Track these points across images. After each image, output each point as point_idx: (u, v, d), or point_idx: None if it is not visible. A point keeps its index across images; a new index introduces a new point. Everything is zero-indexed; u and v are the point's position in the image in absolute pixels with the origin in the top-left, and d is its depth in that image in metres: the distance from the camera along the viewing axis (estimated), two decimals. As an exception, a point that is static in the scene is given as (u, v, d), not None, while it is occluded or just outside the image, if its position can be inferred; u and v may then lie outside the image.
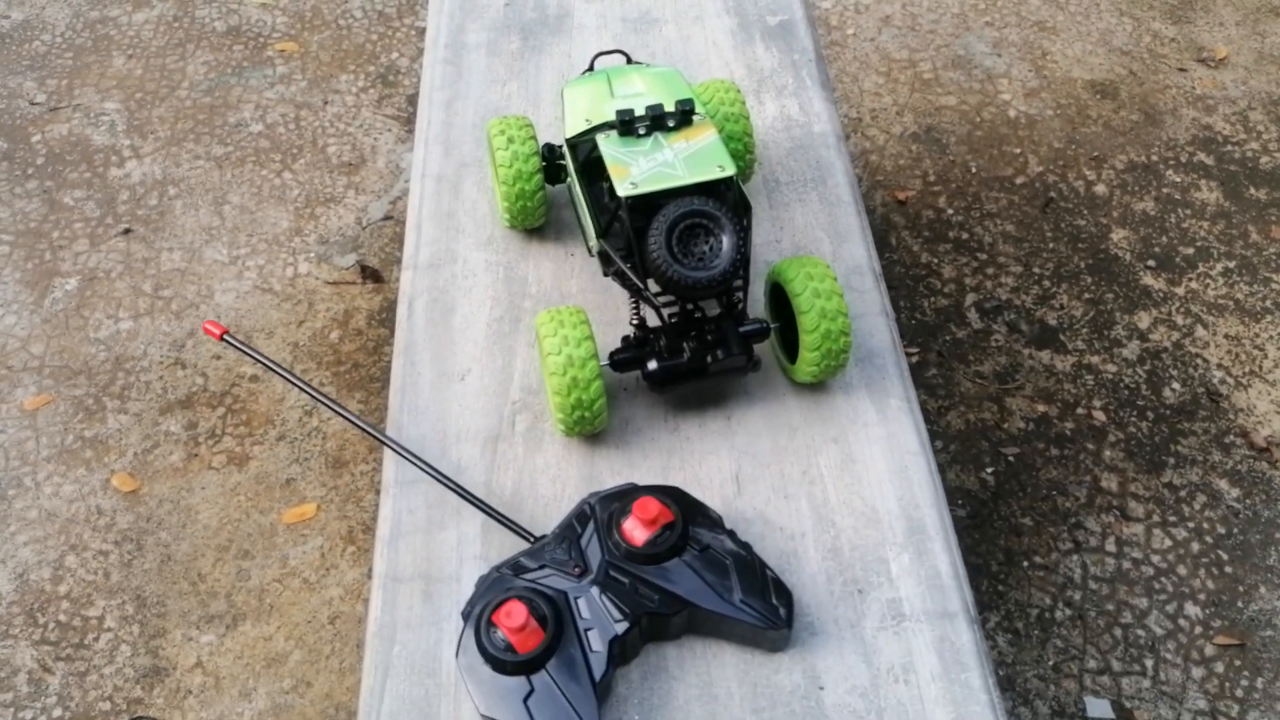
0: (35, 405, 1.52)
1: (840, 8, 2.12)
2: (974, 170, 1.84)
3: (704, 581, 0.60)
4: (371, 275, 1.68)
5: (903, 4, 2.12)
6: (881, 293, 0.80)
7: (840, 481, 0.70)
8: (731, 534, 0.63)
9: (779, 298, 0.73)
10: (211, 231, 1.73)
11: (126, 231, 1.73)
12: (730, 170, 0.66)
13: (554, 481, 0.70)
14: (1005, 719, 0.60)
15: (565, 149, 0.74)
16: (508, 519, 0.65)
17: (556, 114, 0.92)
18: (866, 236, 0.83)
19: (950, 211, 1.79)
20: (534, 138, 0.77)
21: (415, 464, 0.67)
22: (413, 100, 1.94)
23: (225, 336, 0.73)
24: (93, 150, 1.85)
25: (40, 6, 2.10)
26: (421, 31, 2.06)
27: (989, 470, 1.49)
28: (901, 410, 0.73)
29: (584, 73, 0.78)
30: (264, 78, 1.97)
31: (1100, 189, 1.82)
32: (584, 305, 0.78)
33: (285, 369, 0.72)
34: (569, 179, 0.76)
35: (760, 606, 0.60)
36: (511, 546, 0.66)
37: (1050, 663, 1.32)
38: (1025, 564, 1.40)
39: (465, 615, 0.60)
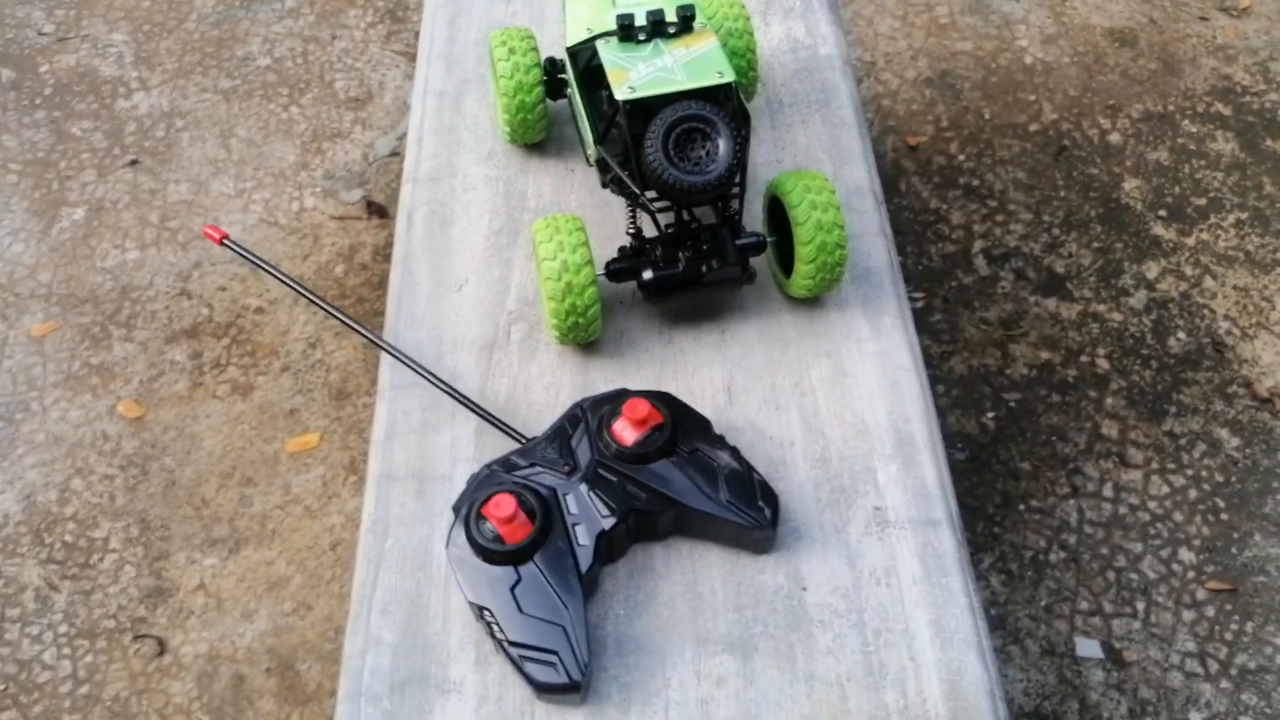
0: (42, 332, 1.54)
1: (856, -49, 2.08)
2: (987, 117, 1.83)
3: (691, 482, 0.61)
4: (377, 211, 1.68)
5: (919, -52, 2.09)
6: (881, 214, 0.80)
7: (831, 394, 0.70)
8: (721, 439, 0.64)
9: (777, 212, 0.72)
10: (218, 164, 1.73)
11: (134, 163, 1.73)
12: (729, 76, 0.66)
13: (548, 389, 0.70)
14: (983, 623, 0.61)
15: (566, 58, 0.74)
16: (500, 421, 0.66)
17: (560, 32, 0.91)
18: (869, 159, 0.83)
19: (962, 158, 1.77)
20: (535, 49, 0.77)
21: (411, 367, 0.68)
22: (421, 37, 1.92)
23: (225, 241, 0.73)
24: (100, 81, 1.84)
25: (49, -64, 2.08)
26: (431, -32, 2.04)
27: (990, 415, 1.49)
28: (895, 327, 0.73)
29: (586, -17, 0.78)
30: (272, 11, 1.96)
31: (1115, 138, 1.80)
32: (583, 219, 0.78)
33: (283, 273, 0.73)
34: (569, 90, 0.76)
35: (746, 507, 0.61)
36: (504, 449, 0.67)
37: (1042, 603, 1.33)
38: (1022, 507, 1.41)
39: (456, 509, 0.61)
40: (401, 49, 1.90)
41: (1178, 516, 1.39)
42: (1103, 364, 1.54)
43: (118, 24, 1.93)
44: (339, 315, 0.69)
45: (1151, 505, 1.40)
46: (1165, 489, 1.41)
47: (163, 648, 1.26)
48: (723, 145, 0.63)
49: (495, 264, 0.76)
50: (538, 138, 0.81)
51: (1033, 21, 1.96)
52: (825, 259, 0.68)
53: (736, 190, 0.67)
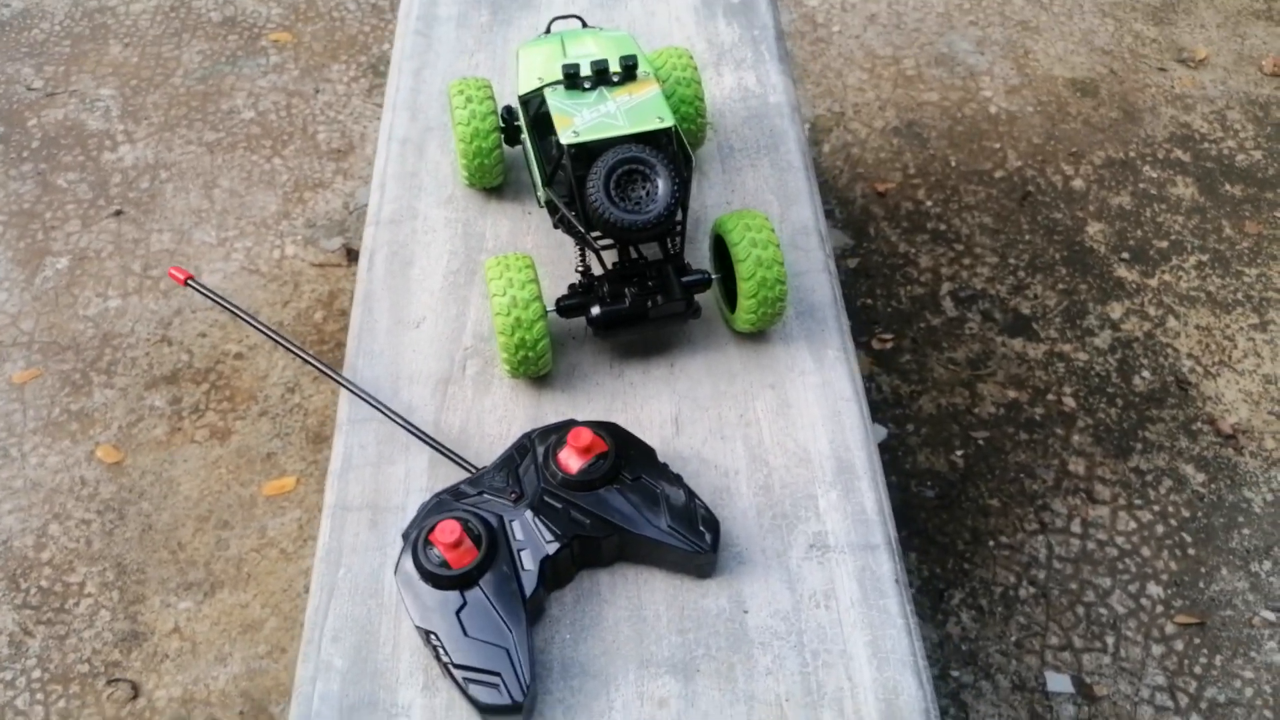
0: (23, 379, 1.56)
1: (827, 5, 2.15)
2: (953, 164, 1.87)
3: (635, 508, 0.63)
4: (356, 258, 1.71)
5: (889, 3, 2.16)
6: (826, 252, 0.83)
7: (775, 425, 0.72)
8: (664, 467, 0.66)
9: (721, 249, 0.75)
10: (201, 214, 1.76)
11: (118, 213, 1.77)
12: (669, 121, 0.69)
13: (500, 421, 0.73)
14: (919, 644, 0.62)
15: (518, 105, 0.77)
16: (451, 451, 0.68)
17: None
18: (814, 199, 0.86)
19: (929, 204, 1.82)
20: (492, 98, 0.81)
21: (367, 401, 0.70)
22: (403, 90, 1.97)
23: (189, 281, 0.76)
24: (87, 135, 1.88)
25: (41, -4, 2.14)
26: (413, 24, 2.09)
27: (959, 453, 1.51)
28: (838, 360, 0.76)
29: (540, 35, 0.82)
30: (257, 66, 2.01)
31: (1078, 184, 1.85)
32: (537, 259, 0.81)
33: (245, 312, 0.75)
34: (523, 136, 0.79)
35: (687, 532, 0.63)
36: (456, 479, 0.69)
37: (1013, 639, 1.34)
38: (991, 543, 1.42)
39: (405, 536, 0.63)
40: (383, 101, 1.95)
41: (1145, 551, 1.41)
42: (1069, 402, 1.56)
43: (106, 79, 1.98)
44: (295, 349, 0.71)
45: (1119, 541, 1.41)
46: (1133, 524, 1.43)
47: (136, 691, 1.26)
48: (662, 185, 0.66)
49: (453, 302, 0.79)
50: (495, 182, 0.84)
51: (996, 73, 2.02)
52: (765, 294, 0.71)
53: (678, 229, 0.70)
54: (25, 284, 1.66)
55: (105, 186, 1.80)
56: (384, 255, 0.82)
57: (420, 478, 0.70)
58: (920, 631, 0.63)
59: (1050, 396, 1.57)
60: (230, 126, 1.90)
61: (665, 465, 0.66)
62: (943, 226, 1.78)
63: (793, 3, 2.17)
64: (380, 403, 0.70)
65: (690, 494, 0.65)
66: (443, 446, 0.68)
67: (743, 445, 0.71)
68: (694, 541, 0.62)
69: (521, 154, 0.88)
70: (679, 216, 0.68)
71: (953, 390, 1.58)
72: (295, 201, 1.79)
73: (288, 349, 0.73)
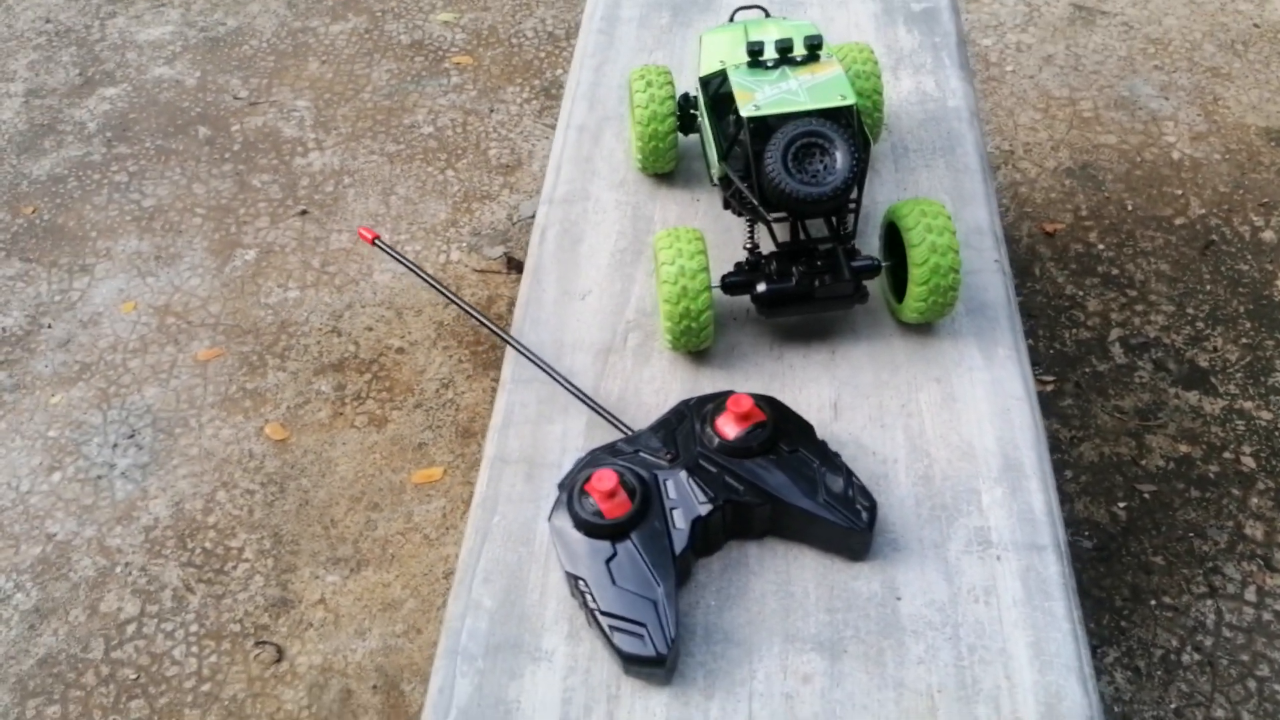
0: (207, 357, 1.67)
1: (1001, 45, 2.11)
2: (1130, 208, 1.79)
3: (789, 479, 0.62)
4: (517, 266, 1.77)
5: (1066, 45, 2.10)
6: (1001, 253, 0.80)
7: (938, 417, 0.70)
8: (823, 444, 0.65)
9: (893, 238, 0.74)
10: (377, 218, 1.86)
11: (303, 213, 1.88)
12: (851, 100, 0.69)
13: (658, 393, 0.73)
14: (1087, 651, 0.59)
15: (699, 86, 0.79)
16: (609, 413, 0.69)
17: (697, 74, 0.97)
18: (990, 202, 0.84)
19: (1101, 247, 1.74)
20: (671, 84, 0.82)
21: (532, 360, 0.72)
22: (572, 112, 2.04)
23: (377, 241, 0.80)
24: (282, 141, 2.02)
25: (252, 16, 2.33)
26: (587, 51, 2.17)
27: (1121, 505, 1.43)
28: (1009, 359, 0.73)
29: (723, 24, 0.83)
30: (439, 86, 2.12)
31: (1268, 235, 1.74)
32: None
33: (426, 273, 0.79)
34: (700, 118, 0.80)
35: (843, 507, 0.61)
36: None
37: (1172, 705, 1.24)
38: (1153, 603, 1.33)
39: (560, 486, 0.64)
40: (553, 122, 2.02)
41: (1329, 628, 1.29)
42: (1248, 462, 1.46)
43: (303, 92, 2.12)
44: (470, 310, 0.74)
45: (1300, 613, 1.30)
46: (1316, 598, 1.31)
47: (281, 655, 1.32)
48: (840, 159, 0.66)
49: (618, 278, 0.80)
50: (668, 168, 0.85)
51: (1182, 119, 1.93)
52: (938, 282, 0.69)
53: (853, 206, 0.70)
54: (217, 271, 1.79)
55: (294, 188, 1.92)
56: (555, 232, 0.84)
57: (577, 438, 0.71)
58: (1089, 641, 0.59)
59: (1227, 454, 1.47)
60: (410, 140, 2.00)
61: (824, 442, 0.65)
62: (1115, 271, 1.70)
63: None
64: (545, 362, 0.71)
65: (848, 471, 0.63)
66: (601, 408, 0.69)
67: (903, 434, 0.69)
68: (850, 518, 0.61)
69: (694, 145, 0.89)
70: (855, 193, 0.68)
71: (1118, 439, 1.50)
72: (464, 211, 1.86)
73: (460, 306, 0.75)
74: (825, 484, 0.62)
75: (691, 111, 0.84)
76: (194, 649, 1.33)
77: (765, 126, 0.69)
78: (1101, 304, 1.66)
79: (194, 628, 1.35)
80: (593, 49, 1.01)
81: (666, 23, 1.04)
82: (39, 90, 2.21)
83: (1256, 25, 2.12)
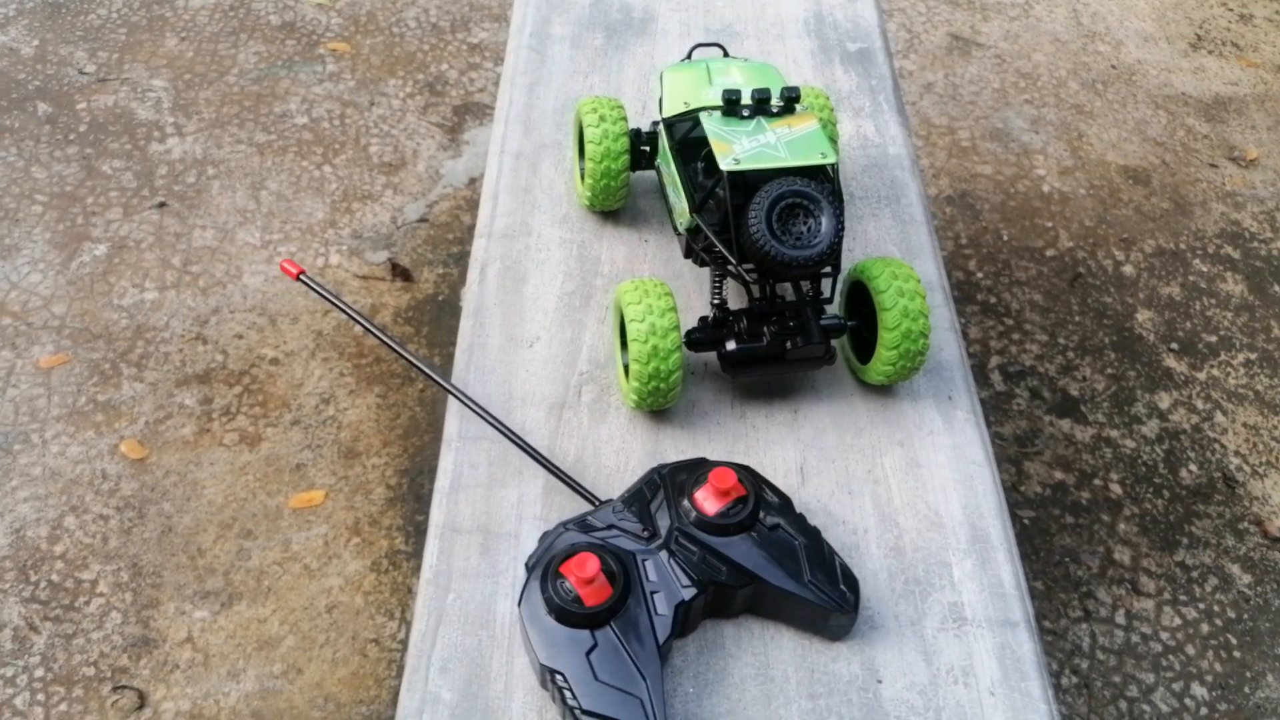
0: (51, 364, 1.50)
1: (885, 70, 2.16)
2: (1005, 238, 1.87)
3: (772, 558, 0.59)
4: (402, 274, 1.68)
5: (945, 74, 2.17)
6: (951, 310, 0.80)
7: (904, 484, 0.69)
8: (801, 518, 0.62)
9: (857, 297, 0.73)
10: (246, 214, 1.73)
11: (161, 205, 1.73)
12: (832, 158, 0.66)
13: (618, 453, 0.69)
14: (1066, 732, 0.59)
15: (661, 128, 0.75)
16: (573, 480, 0.64)
17: (637, 107, 0.93)
18: (937, 255, 0.84)
19: (980, 275, 1.80)
20: (625, 119, 0.78)
21: (485, 418, 0.66)
22: (459, 110, 1.96)
23: (302, 277, 0.72)
24: (136, 124, 1.85)
25: (100, -18, 2.12)
26: (473, 47, 2.09)
27: (1003, 530, 1.48)
28: (968, 422, 0.73)
29: (682, 60, 0.79)
30: (313, 73, 1.99)
31: (1128, 269, 1.84)
32: (656, 288, 0.78)
33: (359, 313, 0.72)
34: (660, 160, 0.76)
35: (828, 588, 0.59)
36: (571, 510, 0.65)
37: (1055, 728, 1.29)
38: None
39: (529, 566, 0.59)
40: (438, 121, 1.93)
41: (1190, 650, 1.37)
42: (1116, 489, 1.54)
43: (159, 70, 1.95)
44: (415, 362, 0.68)
45: (1164, 636, 1.38)
46: (1177, 620, 1.40)
47: (143, 701, 1.20)
48: (825, 222, 0.64)
49: (568, 324, 0.75)
50: (617, 205, 0.81)
51: (1050, 152, 2.03)
52: (909, 346, 0.68)
53: (829, 271, 0.68)
54: (61, 267, 1.62)
55: (150, 177, 1.76)
56: (496, 269, 0.78)
57: (534, 505, 0.66)
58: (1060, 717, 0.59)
59: (1097, 481, 1.55)
60: (282, 130, 1.87)
61: (802, 516, 0.62)
62: (993, 299, 1.77)
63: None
64: (498, 420, 0.66)
65: (830, 550, 0.61)
66: (563, 473, 0.64)
67: (871, 502, 0.68)
68: (836, 600, 0.59)
69: (639, 180, 0.85)
70: (837, 256, 0.65)
71: (999, 466, 1.55)
72: (343, 211, 1.75)
73: (413, 364, 0.69)
74: (808, 563, 0.60)
75: (643, 148, 0.80)
76: (39, 696, 1.19)
77: (744, 181, 0.66)
78: (981, 331, 1.72)
79: (39, 672, 1.21)
80: (523, 67, 0.96)
81: (601, 44, 0.99)
82: None
83: (1114, 66, 2.24)
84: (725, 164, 0.65)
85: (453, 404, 0.70)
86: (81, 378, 1.49)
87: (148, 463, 1.41)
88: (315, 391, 1.51)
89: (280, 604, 1.30)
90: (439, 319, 1.61)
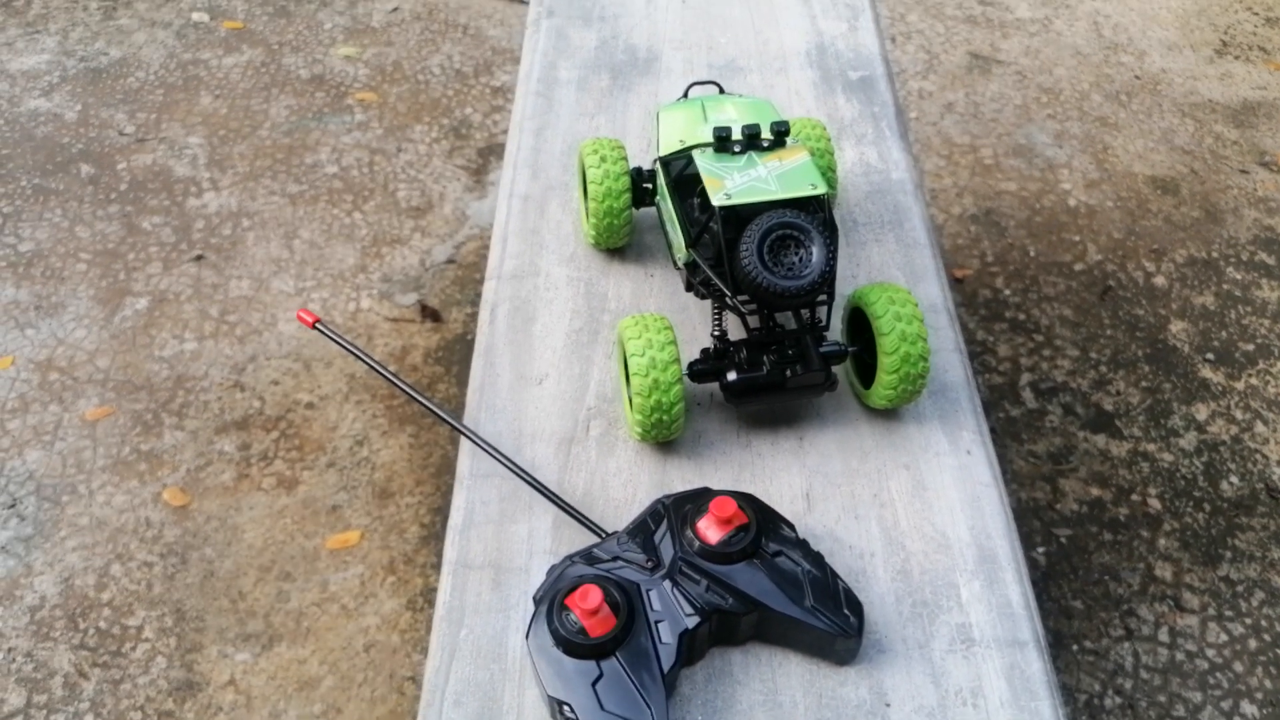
0: (96, 416, 1.56)
1: (905, 92, 2.17)
2: (1032, 254, 1.86)
3: (776, 585, 0.60)
4: (431, 315, 1.71)
5: (965, 93, 2.17)
6: (956, 330, 0.81)
7: (911, 507, 0.69)
8: (805, 544, 0.63)
9: (857, 323, 0.73)
10: (280, 263, 1.78)
11: (199, 258, 1.78)
12: (822, 189, 0.68)
13: (625, 485, 0.70)
14: (1078, 752, 0.58)
15: (658, 166, 0.77)
16: (580, 513, 0.65)
17: (642, 145, 0.95)
18: (941, 277, 0.84)
19: (1008, 292, 1.79)
20: (625, 159, 0.80)
21: (493, 456, 0.68)
22: (483, 152, 2.00)
23: (318, 325, 0.75)
24: (173, 180, 1.92)
25: (138, 46, 2.21)
26: (496, 90, 2.13)
27: (1040, 550, 1.46)
28: (974, 443, 0.73)
29: (678, 99, 0.81)
30: (342, 124, 2.04)
31: (1160, 281, 1.82)
32: (662, 322, 0.79)
33: (374, 359, 0.74)
34: (658, 197, 0.78)
35: (832, 613, 0.59)
36: (580, 543, 0.66)
37: (1099, 750, 1.27)
38: (1075, 647, 1.36)
39: (537, 599, 0.60)
40: (463, 163, 1.97)
41: (1238, 667, 1.34)
42: (1154, 504, 1.51)
43: (195, 128, 2.02)
44: (427, 404, 0.70)
45: (1210, 653, 1.35)
46: (1224, 637, 1.37)
47: (187, 744, 1.22)
48: (816, 252, 0.65)
49: (576, 360, 0.77)
50: (621, 243, 0.83)
51: (1075, 166, 2.02)
52: (908, 370, 0.69)
53: (824, 299, 0.69)
54: (104, 322, 1.67)
55: (188, 231, 1.82)
56: (506, 310, 0.81)
57: (544, 539, 0.67)
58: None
59: (1135, 497, 1.52)
60: (313, 180, 1.92)
61: (805, 541, 0.63)
62: (1022, 316, 1.76)
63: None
64: (507, 458, 0.68)
65: (833, 574, 0.61)
66: (570, 507, 0.66)
67: (878, 526, 0.68)
68: (840, 624, 0.59)
69: (645, 216, 0.87)
70: (830, 285, 0.67)
71: (1034, 484, 1.54)
72: (373, 256, 1.80)
73: (421, 404, 0.71)
74: (811, 588, 0.60)
75: (645, 186, 0.82)
76: (89, 742, 1.22)
77: (736, 215, 0.67)
78: (1011, 349, 1.71)
79: (89, 718, 1.24)
80: (531, 111, 0.98)
81: (606, 85, 1.01)
82: (-103, 122, 2.04)
83: (1138, 77, 2.23)
84: (717, 199, 0.67)
85: (464, 442, 0.72)
86: (125, 428, 1.54)
87: (189, 509, 1.45)
88: (349, 434, 1.54)
89: (319, 644, 1.32)
90: (468, 358, 1.64)
